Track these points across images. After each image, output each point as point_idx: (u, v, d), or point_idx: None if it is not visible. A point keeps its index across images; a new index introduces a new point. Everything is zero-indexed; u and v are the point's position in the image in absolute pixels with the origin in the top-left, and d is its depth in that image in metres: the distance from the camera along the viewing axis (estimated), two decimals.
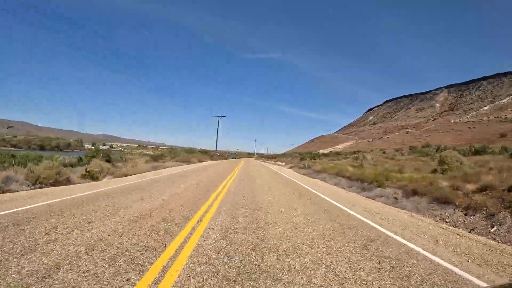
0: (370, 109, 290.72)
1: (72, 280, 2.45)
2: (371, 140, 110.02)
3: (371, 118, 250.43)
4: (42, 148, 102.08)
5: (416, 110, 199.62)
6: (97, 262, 2.84)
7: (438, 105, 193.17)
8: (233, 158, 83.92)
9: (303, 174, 19.21)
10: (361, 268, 3.05)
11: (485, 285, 2.79)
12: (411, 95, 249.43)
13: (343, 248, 3.69)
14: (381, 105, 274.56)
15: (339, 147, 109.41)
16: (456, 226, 5.59)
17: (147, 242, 3.54)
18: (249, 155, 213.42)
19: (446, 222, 5.87)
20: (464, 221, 5.69)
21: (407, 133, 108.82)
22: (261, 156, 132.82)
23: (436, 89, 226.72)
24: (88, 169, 10.75)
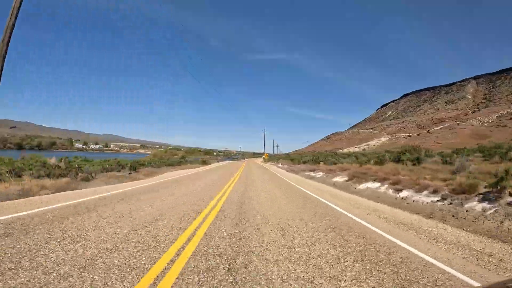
0: (385, 104, 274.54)
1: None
2: (415, 134, 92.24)
3: (390, 113, 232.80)
4: (20, 147, 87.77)
5: (445, 102, 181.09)
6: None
7: (469, 96, 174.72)
8: (236, 158, 66.34)
9: None
10: None
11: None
12: (432, 87, 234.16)
13: None
14: (399, 99, 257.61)
15: (374, 144, 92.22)
16: None
17: None
18: (254, 155, 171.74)
19: None
20: None
21: (458, 124, 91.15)
22: (274, 156, 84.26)
23: (462, 81, 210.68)
24: None
